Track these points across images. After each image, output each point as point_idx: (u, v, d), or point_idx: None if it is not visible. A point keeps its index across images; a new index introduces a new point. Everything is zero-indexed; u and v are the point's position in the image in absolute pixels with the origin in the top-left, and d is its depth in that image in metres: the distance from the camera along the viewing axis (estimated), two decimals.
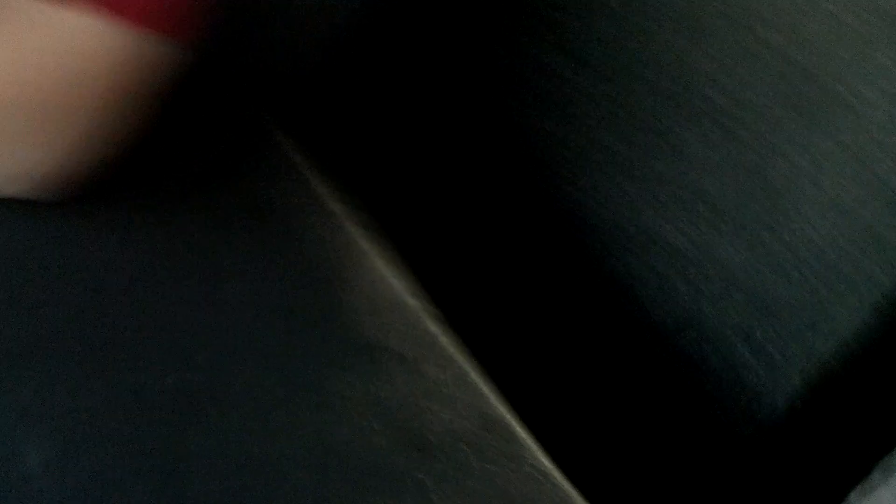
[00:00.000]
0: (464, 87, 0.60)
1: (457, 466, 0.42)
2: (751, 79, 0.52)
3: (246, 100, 0.52)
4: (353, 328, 0.44)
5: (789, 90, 0.52)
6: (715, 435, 0.54)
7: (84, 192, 0.44)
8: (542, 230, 0.58)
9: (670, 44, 0.53)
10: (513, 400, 0.46)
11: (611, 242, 0.56)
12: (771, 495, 0.53)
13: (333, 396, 0.42)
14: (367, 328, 0.44)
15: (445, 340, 0.45)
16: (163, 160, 0.47)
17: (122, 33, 0.41)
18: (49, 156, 0.42)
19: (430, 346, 0.45)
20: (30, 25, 0.41)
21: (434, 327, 0.45)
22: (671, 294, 0.55)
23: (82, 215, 0.44)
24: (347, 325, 0.44)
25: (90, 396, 0.39)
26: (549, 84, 0.56)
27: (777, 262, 0.53)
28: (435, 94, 0.61)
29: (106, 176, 0.44)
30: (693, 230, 0.55)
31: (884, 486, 0.44)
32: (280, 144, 0.50)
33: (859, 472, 0.46)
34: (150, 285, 0.43)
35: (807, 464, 0.52)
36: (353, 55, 0.61)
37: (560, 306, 0.58)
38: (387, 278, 0.46)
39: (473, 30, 0.59)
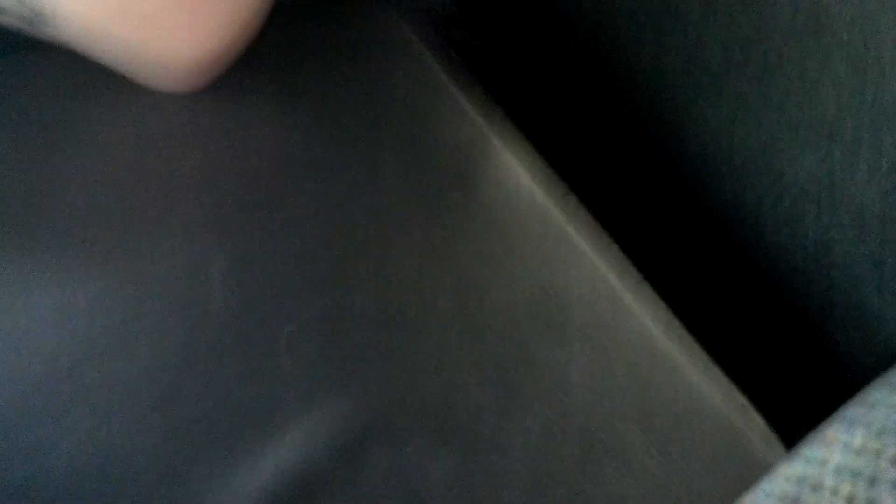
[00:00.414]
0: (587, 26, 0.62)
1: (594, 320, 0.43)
2: (881, 15, 0.54)
3: None
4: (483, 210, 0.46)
5: None
6: (833, 360, 0.53)
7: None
8: (673, 170, 0.60)
9: None
10: None
11: (742, 180, 0.57)
12: None
13: (470, 251, 0.44)
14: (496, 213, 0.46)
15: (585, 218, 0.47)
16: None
17: None
18: (208, 40, 0.43)
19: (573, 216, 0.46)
20: None
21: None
22: (802, 226, 0.55)
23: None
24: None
25: (259, 224, 0.42)
26: (676, 24, 0.59)
27: None
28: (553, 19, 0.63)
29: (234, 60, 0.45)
30: (825, 167, 0.56)
31: None
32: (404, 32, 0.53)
33: None
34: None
35: None
36: None
37: (694, 243, 0.59)
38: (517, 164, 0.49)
39: None
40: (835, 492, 0.27)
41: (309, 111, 0.47)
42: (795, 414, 0.50)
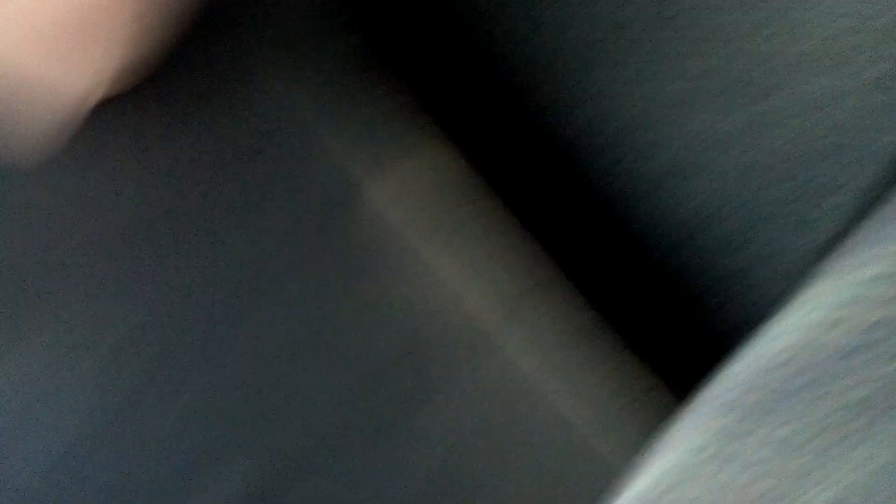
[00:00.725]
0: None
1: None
2: None
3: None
4: None
5: None
6: (710, 324, 0.55)
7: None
8: (574, 136, 0.59)
9: None
10: None
11: (653, 143, 0.57)
12: None
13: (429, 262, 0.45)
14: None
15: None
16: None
17: None
18: (85, 77, 0.43)
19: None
20: None
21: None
22: (716, 180, 0.55)
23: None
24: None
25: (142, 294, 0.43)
26: None
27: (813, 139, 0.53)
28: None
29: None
30: (741, 118, 0.55)
31: None
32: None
33: None
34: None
35: None
36: None
37: (594, 205, 0.59)
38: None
39: None
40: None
41: (178, 152, 0.47)
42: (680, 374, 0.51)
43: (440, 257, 0.47)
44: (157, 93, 0.50)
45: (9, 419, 0.40)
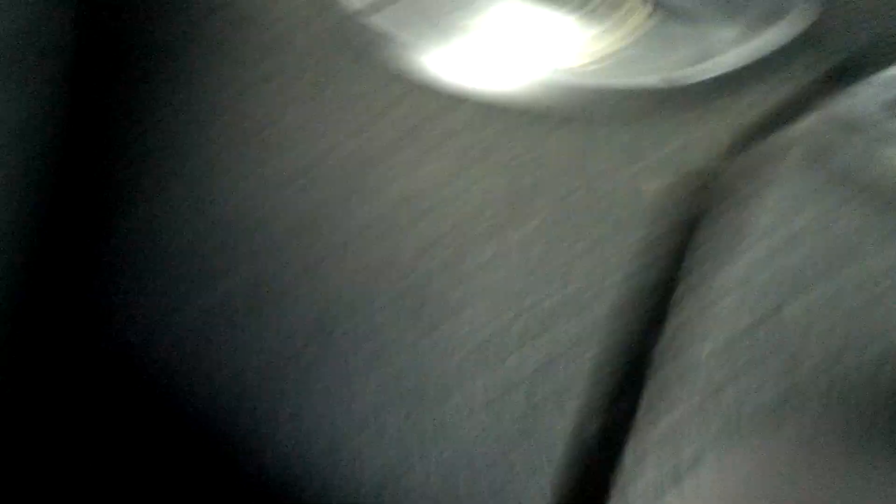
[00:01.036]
0: None
1: None
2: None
3: None
4: None
5: None
6: None
7: None
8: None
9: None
10: None
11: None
12: None
13: None
14: None
15: None
16: None
17: None
18: None
19: None
20: None
21: None
22: (422, 483, 0.57)
23: None
24: None
25: None
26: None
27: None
28: None
29: None
30: (429, 421, 0.58)
31: None
32: None
33: None
34: None
35: None
36: None
37: None
38: None
39: None
40: None
41: None
42: None
43: None
44: None
45: None
